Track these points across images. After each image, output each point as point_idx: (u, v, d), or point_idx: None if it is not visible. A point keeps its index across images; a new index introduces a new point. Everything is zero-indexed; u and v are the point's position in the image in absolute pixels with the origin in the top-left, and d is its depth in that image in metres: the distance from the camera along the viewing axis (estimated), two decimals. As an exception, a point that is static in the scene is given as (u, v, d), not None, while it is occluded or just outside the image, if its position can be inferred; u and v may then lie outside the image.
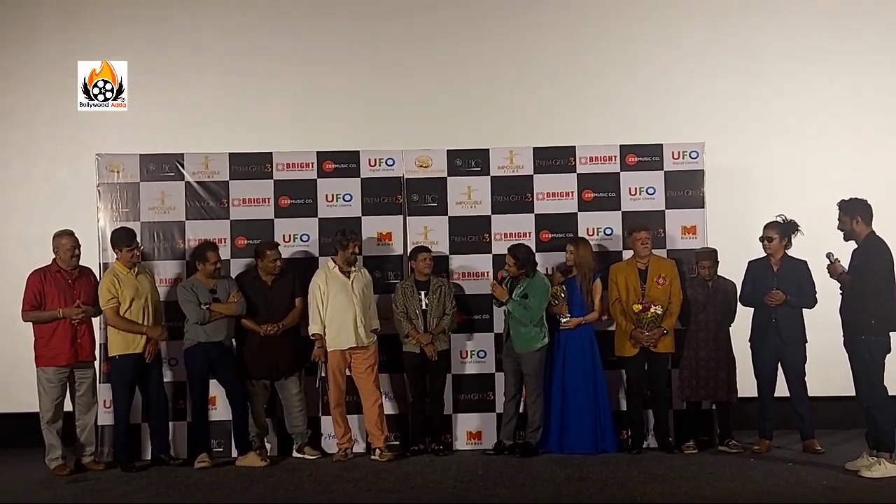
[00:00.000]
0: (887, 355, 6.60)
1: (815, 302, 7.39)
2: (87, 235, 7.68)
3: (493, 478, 6.82)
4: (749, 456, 7.34)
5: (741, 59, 8.97)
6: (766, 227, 7.50)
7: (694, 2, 9.12)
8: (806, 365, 7.45)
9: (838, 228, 6.76)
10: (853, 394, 6.74)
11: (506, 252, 7.63)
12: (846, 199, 6.78)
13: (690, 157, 8.16)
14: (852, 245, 6.76)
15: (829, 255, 6.72)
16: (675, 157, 8.17)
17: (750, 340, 7.56)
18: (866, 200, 6.76)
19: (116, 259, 7.46)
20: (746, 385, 7.60)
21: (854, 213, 6.70)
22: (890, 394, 6.67)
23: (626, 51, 9.04)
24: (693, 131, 8.34)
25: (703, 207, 8.08)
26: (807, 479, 6.51)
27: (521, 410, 7.67)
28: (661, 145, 8.18)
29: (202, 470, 7.23)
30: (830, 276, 6.76)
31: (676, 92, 8.90)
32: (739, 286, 7.65)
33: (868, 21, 8.95)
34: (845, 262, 6.72)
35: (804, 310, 7.46)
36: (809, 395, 7.48)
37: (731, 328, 7.65)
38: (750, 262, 7.62)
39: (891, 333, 6.62)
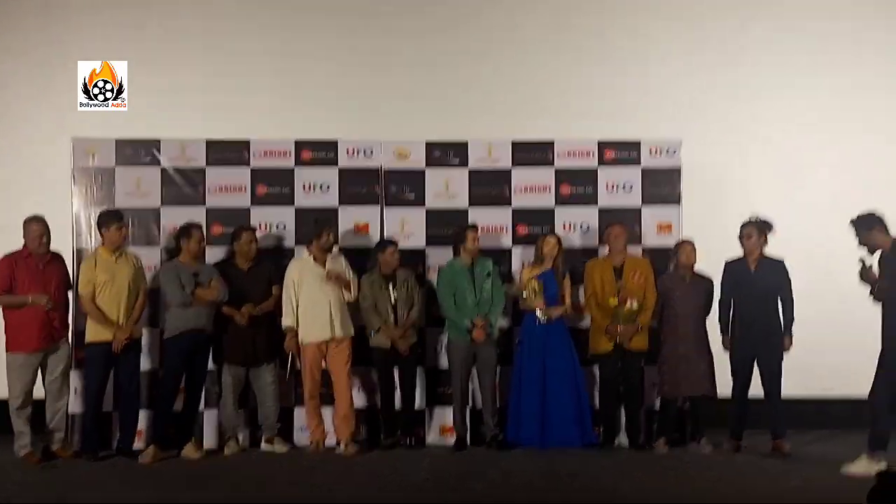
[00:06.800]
0: None
1: (791, 302, 7.43)
2: (61, 220, 7.60)
3: (465, 473, 6.83)
4: (719, 454, 7.39)
5: (721, 57, 8.96)
6: (744, 225, 7.53)
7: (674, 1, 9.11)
8: (782, 365, 7.48)
9: (860, 244, 6.75)
10: (827, 395, 6.73)
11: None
12: (856, 216, 6.80)
13: (668, 153, 8.18)
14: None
15: (861, 259, 6.70)
16: (653, 153, 8.20)
17: (725, 340, 7.59)
18: (873, 212, 6.79)
19: (102, 243, 7.39)
20: (719, 384, 7.63)
21: (870, 226, 6.73)
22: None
23: (607, 47, 9.02)
24: (671, 128, 8.35)
25: (678, 204, 8.12)
26: (776, 478, 6.56)
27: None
28: (639, 142, 8.21)
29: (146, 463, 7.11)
30: (862, 280, 6.71)
31: (656, 89, 8.88)
32: (717, 285, 7.67)
33: (849, 24, 8.95)
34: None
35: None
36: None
37: (707, 324, 7.68)
38: (727, 263, 7.64)
39: None
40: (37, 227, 7.23)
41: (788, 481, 6.48)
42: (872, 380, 6.71)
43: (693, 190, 8.18)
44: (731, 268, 7.62)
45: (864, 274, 6.72)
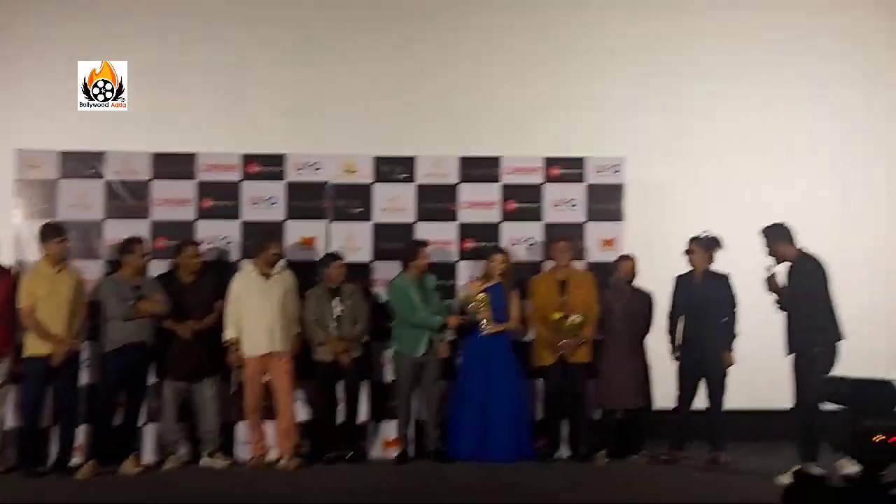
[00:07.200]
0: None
1: (734, 316, 7.53)
2: (2, 233, 7.57)
3: (407, 487, 6.87)
4: (659, 465, 7.47)
5: (666, 78, 9.11)
6: (689, 241, 7.66)
7: (619, 19, 9.23)
8: (726, 378, 7.56)
9: (768, 255, 6.93)
10: (766, 407, 6.81)
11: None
12: (765, 226, 6.96)
13: (612, 171, 8.27)
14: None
15: (768, 269, 6.88)
16: (597, 170, 8.29)
17: (675, 352, 7.69)
18: (782, 223, 6.95)
19: (44, 255, 7.29)
20: (660, 396, 7.74)
21: (777, 237, 6.91)
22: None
23: (553, 65, 9.15)
24: (615, 146, 8.46)
25: (621, 220, 8.21)
26: (714, 490, 6.64)
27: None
28: (584, 158, 8.30)
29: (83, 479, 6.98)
30: (769, 290, 6.89)
31: (601, 107, 8.99)
32: (665, 298, 7.77)
33: (789, 42, 9.16)
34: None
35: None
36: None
37: (647, 338, 7.80)
38: (676, 277, 7.76)
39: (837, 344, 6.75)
40: None
41: (727, 492, 6.56)
42: (793, 393, 6.82)
43: (636, 206, 8.28)
44: (679, 281, 7.74)
45: (770, 284, 6.88)
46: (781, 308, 6.92)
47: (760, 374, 7.84)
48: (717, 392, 7.54)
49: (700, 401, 7.64)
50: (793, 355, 6.83)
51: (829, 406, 6.30)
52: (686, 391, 7.61)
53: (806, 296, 6.74)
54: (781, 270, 6.93)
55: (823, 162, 9.01)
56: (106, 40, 8.81)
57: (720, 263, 7.69)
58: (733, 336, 7.52)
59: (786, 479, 6.53)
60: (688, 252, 7.65)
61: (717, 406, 7.55)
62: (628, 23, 9.20)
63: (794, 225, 7.02)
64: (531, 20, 9.22)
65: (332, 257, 7.79)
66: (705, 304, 7.53)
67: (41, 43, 8.94)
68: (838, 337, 6.76)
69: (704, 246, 7.61)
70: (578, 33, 9.21)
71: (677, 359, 7.67)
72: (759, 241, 6.97)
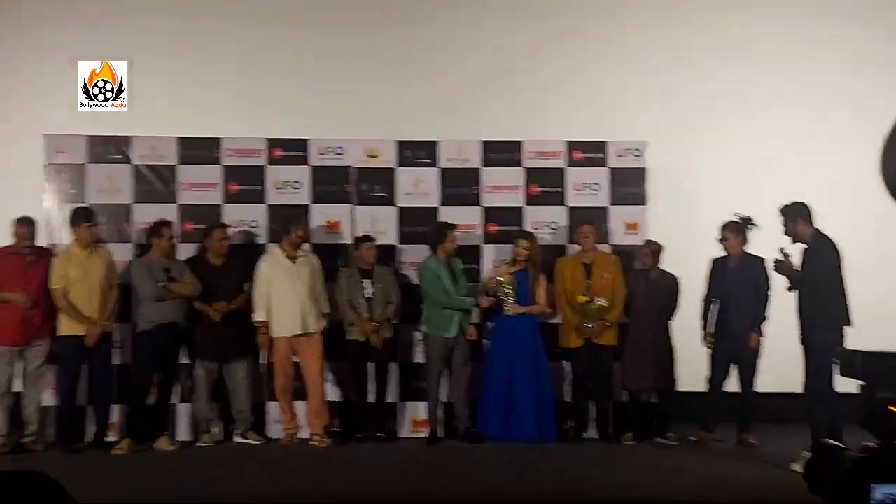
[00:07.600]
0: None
1: (767, 299, 7.55)
2: (34, 216, 7.58)
3: (436, 465, 6.97)
4: (686, 448, 7.53)
5: (685, 60, 9.08)
6: (721, 227, 7.65)
7: (642, 4, 9.25)
8: (758, 360, 7.59)
9: (785, 234, 6.90)
10: (794, 390, 6.89)
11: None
12: (786, 204, 6.97)
13: (634, 155, 8.33)
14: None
15: (781, 250, 6.88)
16: (619, 154, 8.34)
17: (707, 338, 7.66)
18: (803, 202, 6.98)
19: (74, 238, 7.39)
20: (689, 378, 7.80)
21: (795, 216, 6.88)
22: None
23: (575, 49, 9.15)
24: (637, 130, 8.50)
25: (644, 204, 8.27)
26: (739, 472, 6.66)
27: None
28: (606, 143, 8.35)
29: (120, 456, 7.10)
30: (778, 272, 6.91)
31: (622, 91, 9.00)
32: (689, 281, 7.80)
33: (810, 26, 9.14)
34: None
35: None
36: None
37: (672, 320, 7.84)
38: (713, 260, 7.77)
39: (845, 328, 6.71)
40: (21, 230, 7.33)
41: (752, 474, 6.58)
42: (805, 378, 6.77)
43: (659, 190, 8.32)
44: (715, 264, 7.76)
45: (780, 265, 6.88)
46: (791, 290, 6.91)
47: (788, 357, 7.92)
48: (749, 375, 7.57)
49: (730, 384, 7.68)
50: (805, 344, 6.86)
51: (841, 387, 6.42)
52: (718, 374, 7.62)
53: (817, 277, 6.77)
54: (795, 253, 6.95)
55: (847, 146, 8.88)
56: (124, 35, 8.85)
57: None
58: (763, 318, 7.56)
59: (797, 466, 6.60)
60: (721, 240, 7.65)
61: (748, 389, 7.58)
62: (651, 7, 9.22)
63: (818, 209, 7.07)
64: (553, 5, 9.25)
65: (365, 239, 7.85)
66: (741, 287, 7.55)
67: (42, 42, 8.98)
68: (846, 321, 6.70)
69: (736, 230, 7.61)
70: (600, 18, 9.22)
71: (710, 344, 7.63)
72: (773, 213, 6.98)
